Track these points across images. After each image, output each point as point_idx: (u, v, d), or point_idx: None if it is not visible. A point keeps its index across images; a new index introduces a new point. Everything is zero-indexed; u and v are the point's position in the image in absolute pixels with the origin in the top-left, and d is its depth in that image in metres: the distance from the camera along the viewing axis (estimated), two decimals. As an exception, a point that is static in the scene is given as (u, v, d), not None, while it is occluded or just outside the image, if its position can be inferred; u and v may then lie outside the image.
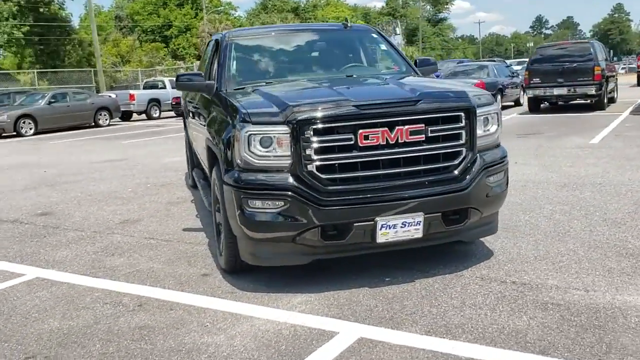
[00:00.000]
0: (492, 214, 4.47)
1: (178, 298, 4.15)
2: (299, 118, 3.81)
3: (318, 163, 3.85)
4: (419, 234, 4.00)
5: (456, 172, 4.07)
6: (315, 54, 5.68)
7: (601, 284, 3.93)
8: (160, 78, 30.49)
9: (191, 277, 4.58)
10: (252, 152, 3.90)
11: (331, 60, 5.62)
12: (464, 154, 4.10)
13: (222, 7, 73.87)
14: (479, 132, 4.20)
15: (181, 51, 66.22)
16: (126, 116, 26.55)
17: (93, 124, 23.24)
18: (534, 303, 3.69)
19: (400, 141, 3.91)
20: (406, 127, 3.92)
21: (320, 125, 3.84)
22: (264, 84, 5.02)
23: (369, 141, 3.86)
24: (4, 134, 20.96)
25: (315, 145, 3.83)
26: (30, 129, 21.07)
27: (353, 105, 3.89)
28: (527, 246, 4.81)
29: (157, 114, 26.79)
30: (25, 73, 47.52)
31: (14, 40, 47.71)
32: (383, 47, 5.75)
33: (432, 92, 4.22)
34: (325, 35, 5.89)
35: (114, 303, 4.13)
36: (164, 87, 27.36)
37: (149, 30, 75.80)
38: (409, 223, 3.95)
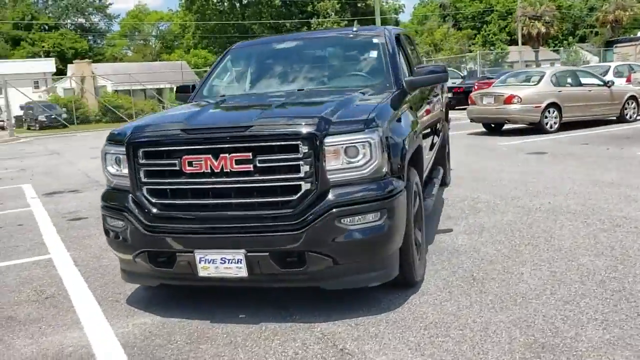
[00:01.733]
0: (376, 259, 3.72)
1: (77, 297, 4.53)
2: (130, 140, 3.81)
3: (148, 187, 3.79)
4: (243, 273, 3.61)
5: (292, 209, 3.54)
6: (297, 66, 5.33)
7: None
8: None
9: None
10: (108, 171, 4.04)
11: (310, 73, 5.21)
12: (304, 189, 3.53)
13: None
14: (337, 163, 3.54)
15: (491, 37, 64.51)
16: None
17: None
18: (304, 379, 3.05)
19: (225, 170, 3.58)
20: (231, 155, 3.56)
21: (147, 149, 3.77)
22: (218, 99, 4.99)
23: (193, 168, 3.64)
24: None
25: (144, 168, 3.78)
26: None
27: (181, 130, 3.71)
28: (445, 308, 3.84)
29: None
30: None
31: (334, 35, 53.03)
32: (374, 55, 5.07)
33: (271, 117, 3.70)
34: (320, 44, 5.49)
35: (34, 292, 4.73)
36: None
37: (469, 17, 75.75)
38: (229, 260, 3.61)
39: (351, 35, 5.41)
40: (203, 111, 4.12)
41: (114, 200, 4.00)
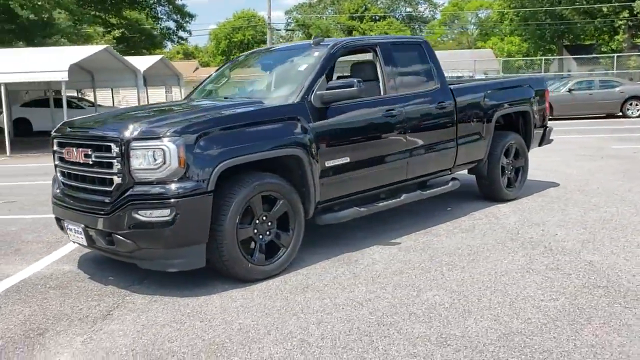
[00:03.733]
0: (172, 249, 4.35)
1: (68, 244, 6.05)
2: (53, 131, 5.14)
3: (58, 168, 5.09)
4: (85, 242, 4.67)
5: (109, 197, 4.43)
6: (246, 76, 5.95)
7: None
8: None
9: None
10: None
11: (249, 83, 5.80)
12: (116, 182, 4.38)
13: None
14: (140, 164, 4.30)
15: None
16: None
17: (620, 114, 21.93)
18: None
19: (80, 161, 4.66)
20: (80, 150, 4.64)
21: (56, 140, 5.06)
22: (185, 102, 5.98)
23: (68, 157, 4.81)
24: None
25: (56, 154, 5.08)
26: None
27: (69, 127, 4.90)
28: (226, 304, 4.25)
29: None
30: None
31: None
32: (302, 69, 5.34)
33: (108, 122, 4.59)
34: (274, 56, 5.97)
35: (56, 236, 6.42)
36: None
37: None
38: (76, 230, 4.69)
39: (303, 48, 5.76)
40: (99, 114, 5.21)
41: (53, 179, 5.39)
